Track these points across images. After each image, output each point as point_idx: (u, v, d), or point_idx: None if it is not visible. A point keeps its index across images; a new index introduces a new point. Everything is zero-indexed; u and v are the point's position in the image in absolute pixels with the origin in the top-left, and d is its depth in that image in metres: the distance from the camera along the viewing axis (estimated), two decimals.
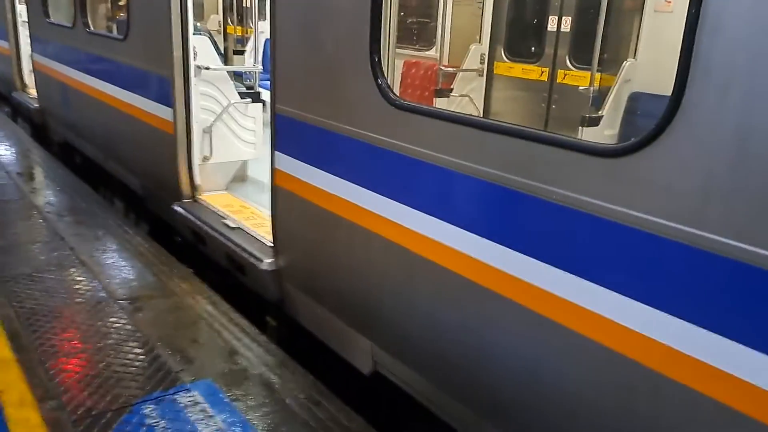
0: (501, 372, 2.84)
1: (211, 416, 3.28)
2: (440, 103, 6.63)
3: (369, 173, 3.38)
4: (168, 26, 5.07)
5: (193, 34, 5.32)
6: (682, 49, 2.06)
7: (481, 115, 6.96)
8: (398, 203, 3.22)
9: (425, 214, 3.07)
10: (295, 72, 3.83)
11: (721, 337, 2.04)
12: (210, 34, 8.36)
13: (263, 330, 4.56)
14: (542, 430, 2.72)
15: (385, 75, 3.24)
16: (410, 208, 3.16)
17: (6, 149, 8.20)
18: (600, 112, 5.59)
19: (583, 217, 2.39)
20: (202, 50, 5.33)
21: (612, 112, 5.57)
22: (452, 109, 6.66)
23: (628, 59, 5.69)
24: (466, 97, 6.81)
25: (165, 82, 5.27)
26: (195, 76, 5.24)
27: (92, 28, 6.87)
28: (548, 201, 2.50)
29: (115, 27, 7.62)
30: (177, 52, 5.12)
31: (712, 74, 1.98)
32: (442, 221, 2.99)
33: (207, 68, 5.33)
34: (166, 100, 5.30)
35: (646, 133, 2.19)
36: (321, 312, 4.01)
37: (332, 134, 3.57)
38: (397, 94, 3.22)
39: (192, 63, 5.19)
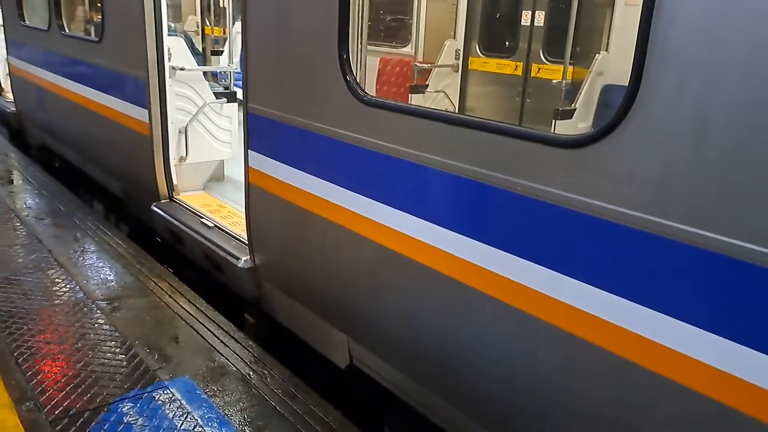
0: (473, 363, 2.89)
1: (188, 412, 3.32)
2: (416, 99, 6.69)
3: (340, 170, 3.43)
4: (142, 28, 5.08)
5: (168, 35, 5.33)
6: (638, 38, 2.08)
7: (457, 111, 7.02)
8: (369, 199, 3.27)
9: (396, 209, 3.12)
10: (266, 70, 3.86)
11: (684, 323, 2.07)
12: (186, 35, 8.34)
13: (241, 327, 4.60)
14: (517, 420, 2.77)
15: (354, 71, 3.29)
16: (381, 204, 3.20)
17: None
18: (573, 105, 5.68)
19: (547, 207, 2.43)
20: (177, 51, 5.34)
21: (585, 104, 5.66)
22: (428, 105, 6.75)
23: (600, 52, 5.78)
24: (441, 93, 6.87)
25: (140, 84, 5.28)
26: (170, 77, 5.25)
27: (67, 31, 6.84)
28: (514, 193, 2.55)
29: (90, 29, 7.59)
30: (151, 54, 5.12)
31: (668, 63, 2.00)
32: (412, 216, 3.04)
33: (182, 69, 5.34)
34: (142, 101, 5.31)
35: (605, 124, 2.23)
36: (297, 308, 4.05)
37: (303, 132, 3.61)
38: (365, 90, 3.27)
39: (167, 64, 5.20)
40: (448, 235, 2.87)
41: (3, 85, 9.95)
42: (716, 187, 1.94)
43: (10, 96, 9.44)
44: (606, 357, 2.31)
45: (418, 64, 6.87)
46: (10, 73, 9.08)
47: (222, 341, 4.02)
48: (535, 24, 6.41)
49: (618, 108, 2.14)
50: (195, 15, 11.06)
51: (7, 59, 9.07)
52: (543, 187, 2.42)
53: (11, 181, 7.20)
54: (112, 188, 6.49)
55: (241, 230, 4.65)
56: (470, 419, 3.00)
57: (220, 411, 3.35)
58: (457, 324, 2.92)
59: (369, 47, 7.93)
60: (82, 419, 3.20)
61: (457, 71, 7.08)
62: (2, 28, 9.17)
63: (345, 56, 3.25)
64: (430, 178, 2.93)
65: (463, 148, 2.74)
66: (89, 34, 6.51)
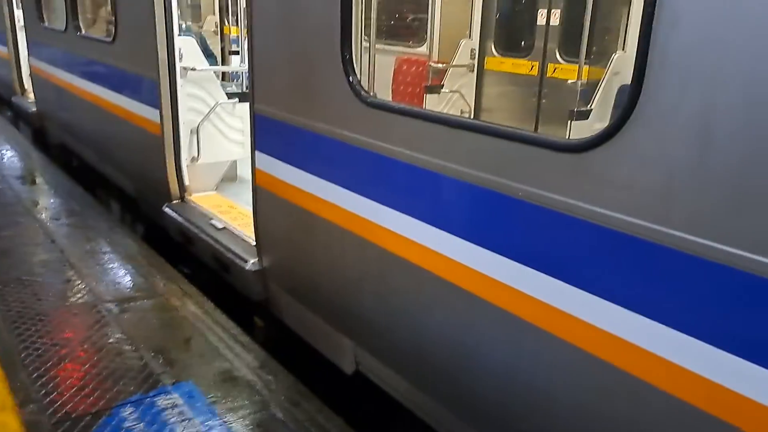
0: (478, 373, 2.81)
1: (189, 419, 3.29)
2: (431, 99, 6.60)
3: (344, 172, 3.37)
4: (152, 28, 5.08)
5: (180, 35, 5.33)
6: (639, 40, 2.02)
7: (472, 111, 6.92)
8: (374, 202, 3.21)
9: (401, 213, 3.06)
10: (272, 71, 3.82)
11: (687, 336, 2.00)
12: (201, 35, 8.35)
13: (251, 330, 4.58)
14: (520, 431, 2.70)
15: (356, 72, 3.23)
16: (386, 207, 3.14)
17: (5, 153, 8.26)
18: (589, 106, 5.54)
19: (549, 214, 2.36)
20: (188, 51, 5.33)
21: (601, 105, 5.52)
22: (443, 105, 6.66)
23: (617, 51, 5.63)
24: (457, 93, 6.77)
25: (151, 84, 5.28)
26: (181, 77, 5.25)
27: (83, 32, 6.90)
28: (515, 198, 2.47)
29: (105, 30, 7.65)
30: (162, 54, 5.12)
31: (670, 67, 1.94)
32: (417, 220, 2.97)
33: (193, 69, 5.33)
34: (153, 101, 5.31)
35: (607, 127, 2.16)
36: (304, 312, 4.01)
37: (308, 133, 3.56)
38: (369, 91, 3.21)
39: (178, 64, 5.19)
40: (453, 240, 2.79)
41: (26, 86, 10.10)
42: (719, 195, 1.85)
43: (32, 96, 9.58)
44: (611, 371, 2.22)
45: (433, 63, 6.78)
46: (31, 74, 9.21)
47: (228, 345, 3.99)
48: (551, 23, 6.27)
49: (620, 112, 2.06)
50: (214, 15, 11.10)
51: (29, 59, 9.20)
52: (545, 193, 2.34)
53: (32, 181, 7.29)
54: (126, 188, 6.52)
55: (251, 232, 4.62)
56: (472, 429, 2.93)
57: (222, 417, 3.32)
58: (461, 332, 2.84)
59: (384, 47, 7.91)
60: (83, 423, 3.19)
61: (473, 71, 6.97)
62: (24, 29, 9.32)
63: (348, 57, 3.19)
64: (433, 182, 2.86)
65: (465, 152, 2.67)
66: (104, 35, 6.55)
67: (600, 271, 2.22)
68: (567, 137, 4.94)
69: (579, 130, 5.32)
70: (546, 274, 2.40)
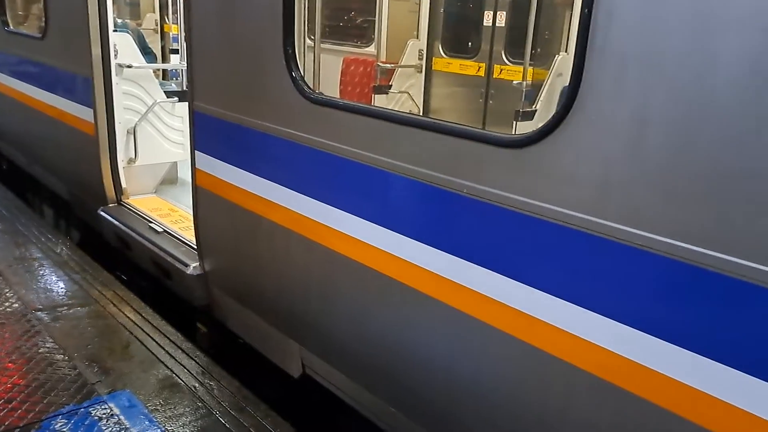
0: (424, 371, 2.78)
1: (126, 428, 3.13)
2: (380, 100, 6.57)
3: (287, 171, 3.28)
4: (86, 23, 4.85)
5: (115, 31, 5.11)
6: (577, 39, 2.04)
7: (421, 112, 6.93)
8: (318, 201, 3.13)
9: (344, 212, 2.99)
10: (211, 67, 3.69)
11: (624, 325, 2.02)
12: (139, 32, 8.07)
13: (194, 336, 4.41)
14: (463, 426, 2.68)
15: (300, 68, 3.14)
16: (330, 206, 3.07)
17: None
18: (534, 106, 5.62)
19: (495, 210, 2.35)
20: (124, 48, 5.12)
21: (546, 105, 5.60)
22: (392, 106, 6.64)
23: (560, 53, 5.74)
24: (405, 94, 6.76)
25: (85, 82, 5.04)
26: (116, 75, 5.03)
27: (11, 27, 6.54)
28: (462, 195, 2.45)
29: (35, 26, 7.29)
30: (96, 51, 4.90)
31: (606, 63, 1.96)
32: (361, 218, 2.92)
33: (129, 66, 5.12)
34: (87, 100, 5.07)
35: (547, 123, 2.17)
36: (249, 316, 3.88)
37: (250, 131, 3.45)
38: (312, 88, 3.13)
39: (113, 61, 4.98)
40: (397, 238, 2.75)
41: None
42: (657, 187, 1.88)
43: None
44: (552, 362, 2.22)
45: (380, 64, 6.75)
46: None
47: (168, 352, 3.83)
48: (497, 25, 6.35)
49: (559, 108, 2.08)
50: (154, 12, 10.77)
51: None
52: (489, 189, 2.32)
53: None
54: (60, 192, 6.21)
55: (192, 235, 4.46)
56: (421, 427, 2.89)
57: (162, 426, 3.17)
58: (407, 329, 2.80)
59: (332, 46, 7.83)
60: None
61: (421, 72, 6.98)
62: None
63: (291, 51, 3.10)
64: (378, 180, 2.81)
65: (410, 149, 2.63)
66: (34, 31, 6.22)
67: (543, 265, 2.22)
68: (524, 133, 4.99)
69: (525, 131, 5.39)
70: (491, 270, 2.38)
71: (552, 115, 2.15)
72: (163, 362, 3.71)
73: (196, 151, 3.90)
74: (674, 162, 1.84)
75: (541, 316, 2.26)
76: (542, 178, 2.17)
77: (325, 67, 6.40)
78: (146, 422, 3.19)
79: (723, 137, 1.75)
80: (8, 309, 4.20)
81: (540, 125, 2.20)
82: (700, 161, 1.79)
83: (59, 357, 3.69)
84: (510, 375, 2.43)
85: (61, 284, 4.62)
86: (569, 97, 2.07)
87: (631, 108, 1.92)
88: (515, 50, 6.34)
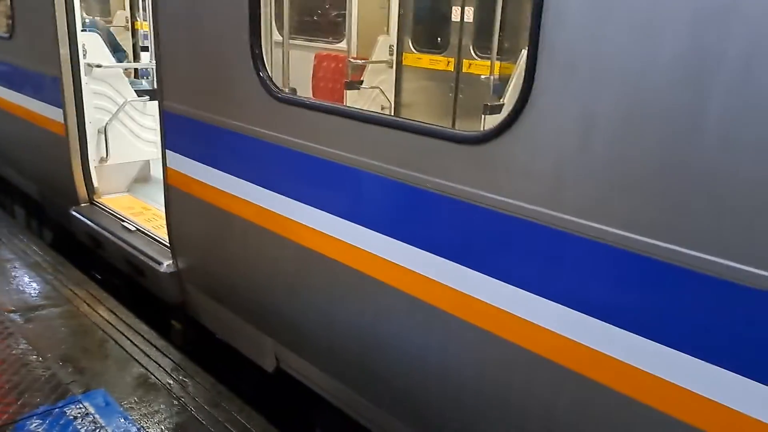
0: (393, 362, 2.86)
1: (101, 426, 3.17)
2: (351, 96, 6.61)
3: (258, 168, 3.33)
4: (53, 23, 4.82)
5: (84, 30, 5.08)
6: (529, 36, 2.12)
7: (392, 107, 6.99)
8: (288, 198, 3.18)
9: (313, 208, 3.05)
10: (179, 65, 3.72)
11: (578, 312, 2.12)
12: (109, 30, 8.00)
13: (168, 334, 4.44)
14: (435, 416, 2.77)
15: (267, 67, 3.19)
16: (298, 202, 3.13)
17: None
18: (501, 100, 5.72)
19: (455, 204, 2.43)
20: (93, 47, 5.10)
21: (513, 99, 5.69)
22: (363, 102, 6.69)
23: (525, 48, 5.84)
24: (377, 89, 6.82)
25: (54, 82, 5.01)
26: (86, 74, 5.01)
27: None
28: (423, 189, 2.53)
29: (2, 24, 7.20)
30: (64, 50, 4.87)
31: (556, 62, 2.04)
32: (329, 214, 2.98)
33: (98, 66, 5.10)
34: (56, 100, 5.05)
35: (503, 120, 2.25)
36: (222, 312, 3.93)
37: (219, 130, 3.49)
38: (280, 87, 3.19)
39: (82, 61, 4.96)
40: (364, 232, 2.82)
41: None
42: (602, 180, 1.98)
43: None
44: (513, 350, 2.32)
45: (352, 59, 6.79)
46: None
47: (142, 350, 3.86)
48: (465, 20, 6.42)
49: (514, 105, 2.16)
50: (124, 9, 10.64)
51: None
52: (449, 183, 2.41)
53: None
54: (30, 192, 6.16)
55: (164, 233, 4.48)
56: (393, 417, 2.97)
57: (137, 423, 3.22)
58: (375, 322, 2.88)
59: (304, 42, 7.83)
60: None
61: (392, 67, 7.03)
62: None
63: (257, 51, 3.15)
64: (344, 176, 2.87)
65: (374, 146, 2.70)
66: (1, 30, 6.14)
67: (501, 256, 2.31)
68: (482, 129, 5.08)
69: (493, 124, 5.48)
70: (453, 261, 2.47)
71: (507, 113, 2.24)
72: (137, 360, 3.75)
73: (167, 150, 3.93)
74: (619, 155, 1.94)
75: (499, 305, 2.35)
76: (500, 173, 2.26)
77: (297, 63, 6.44)
78: (121, 420, 3.23)
79: (664, 133, 1.84)
80: None
81: (496, 123, 2.29)
82: (643, 155, 1.89)
83: (33, 358, 3.70)
84: (474, 362, 2.52)
85: (34, 285, 4.62)
86: (523, 94, 2.15)
87: (579, 105, 2.00)
88: (483, 45, 6.42)
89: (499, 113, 5.54)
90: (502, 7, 5.64)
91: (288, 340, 3.50)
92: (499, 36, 5.87)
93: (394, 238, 2.70)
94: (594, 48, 1.96)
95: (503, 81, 5.96)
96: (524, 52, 5.79)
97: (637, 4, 1.85)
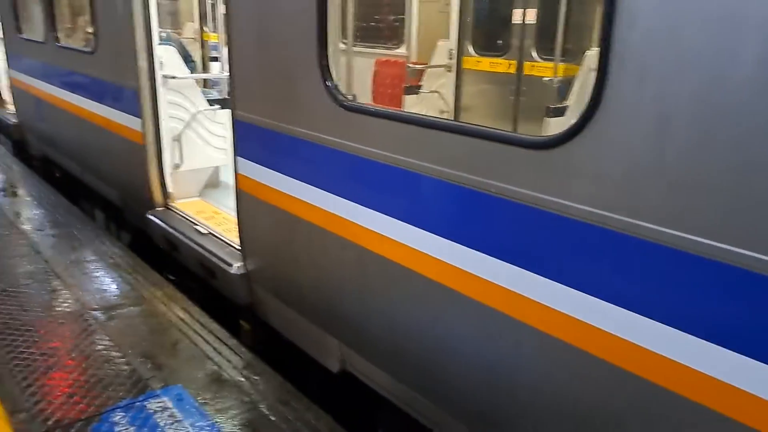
0: (457, 365, 2.89)
1: (179, 420, 3.34)
2: (410, 100, 6.69)
3: (323, 174, 3.44)
4: (133, 38, 5.11)
5: (160, 44, 5.36)
6: (600, 37, 2.10)
7: (452, 110, 7.02)
8: (353, 203, 3.28)
9: (380, 213, 3.13)
10: (251, 78, 3.88)
11: (656, 322, 2.08)
12: (181, 42, 8.37)
13: (238, 334, 4.62)
14: (504, 423, 2.77)
15: (333, 77, 3.30)
16: (365, 208, 3.21)
17: None
18: (565, 102, 5.65)
19: (522, 209, 2.44)
20: (168, 60, 5.37)
21: (577, 101, 5.62)
22: (422, 106, 6.75)
23: (591, 48, 5.75)
24: (436, 93, 6.86)
25: (132, 93, 5.32)
26: (162, 85, 5.29)
27: (62, 43, 6.91)
28: (490, 195, 2.55)
29: (83, 40, 7.66)
30: (142, 63, 5.16)
31: (629, 63, 2.01)
32: (392, 218, 3.05)
33: (173, 77, 5.37)
34: (135, 110, 5.35)
35: (574, 124, 2.24)
36: (289, 313, 4.07)
37: (288, 137, 3.63)
38: (346, 95, 3.28)
39: (158, 73, 5.23)
40: (431, 238, 2.87)
41: (5, 98, 10.05)
42: (679, 185, 1.94)
43: (12, 108, 9.55)
44: (584, 358, 2.30)
45: (411, 65, 6.87)
46: (11, 86, 9.18)
47: (215, 348, 4.04)
48: (527, 22, 6.38)
49: (585, 109, 2.15)
50: (193, 22, 11.10)
51: (8, 72, 9.17)
52: (516, 189, 2.42)
53: (14, 193, 7.28)
54: (111, 197, 6.54)
55: (235, 236, 4.67)
56: (457, 420, 3.01)
57: (212, 419, 3.37)
58: (439, 326, 2.92)
59: (363, 49, 7.97)
60: (73, 429, 3.23)
61: (451, 71, 7.07)
62: (2, 41, 9.28)
63: (324, 62, 3.26)
64: (410, 182, 2.93)
65: (440, 151, 2.75)
66: (83, 45, 6.56)
67: (569, 262, 2.31)
68: (544, 133, 5.04)
69: (556, 127, 5.43)
70: (519, 266, 2.48)
71: (575, 115, 2.23)
72: (210, 358, 3.92)
73: (237, 157, 4.11)
74: (695, 160, 1.89)
75: (570, 312, 2.33)
76: (569, 178, 2.24)
77: (358, 68, 6.57)
78: (197, 415, 3.40)
79: (745, 135, 1.79)
80: (67, 309, 4.49)
81: (562, 126, 2.28)
82: (719, 159, 1.84)
83: (115, 354, 3.94)
84: (546, 371, 2.51)
85: (115, 285, 4.90)
86: (595, 97, 2.12)
87: (654, 107, 1.97)
88: (546, 46, 6.36)
89: (563, 115, 5.48)
90: (567, 8, 5.56)
91: (353, 341, 3.58)
92: (563, 37, 5.80)
93: (457, 243, 2.74)
94: (670, 47, 1.92)
95: (566, 83, 5.88)
96: (589, 53, 5.72)
97: (717, 0, 1.81)
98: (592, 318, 2.26)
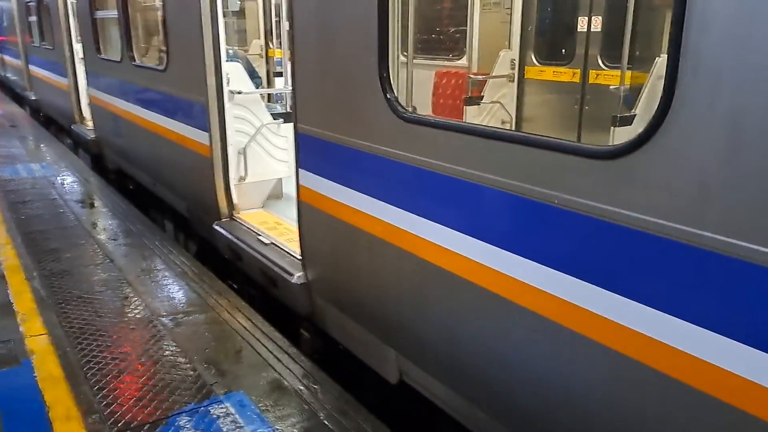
0: (518, 379, 2.83)
1: (241, 426, 3.41)
2: (471, 111, 6.64)
3: (384, 186, 3.46)
4: (202, 56, 5.33)
5: (227, 61, 5.56)
6: (670, 44, 2.04)
7: (514, 121, 6.92)
8: (413, 215, 3.28)
9: (439, 225, 3.12)
10: (313, 92, 3.96)
11: (725, 337, 1.99)
12: (247, 58, 8.65)
13: (298, 342, 4.69)
14: None
15: (394, 90, 3.32)
16: (425, 219, 3.20)
17: (66, 179, 8.73)
18: (633, 111, 5.47)
19: (586, 221, 2.37)
20: (235, 76, 5.56)
21: (645, 110, 5.43)
22: (483, 117, 6.69)
23: (660, 55, 5.54)
24: (497, 104, 6.79)
25: (201, 108, 5.53)
26: (229, 101, 5.47)
27: (137, 61, 7.27)
28: (552, 206, 2.50)
29: (156, 59, 8.04)
30: (211, 80, 5.36)
31: (701, 71, 1.95)
32: (455, 231, 3.03)
33: (239, 93, 5.55)
34: (203, 124, 5.55)
35: (641, 133, 2.17)
36: (348, 323, 4.09)
37: (349, 150, 3.67)
38: (406, 107, 3.30)
39: (225, 89, 5.42)
40: (490, 249, 2.83)
41: (85, 115, 10.68)
42: (753, 196, 1.85)
43: (90, 124, 10.12)
44: (648, 373, 2.21)
45: (472, 75, 6.83)
46: (89, 103, 9.74)
47: (276, 356, 4.11)
48: (592, 30, 6.23)
49: (653, 117, 2.07)
50: (259, 38, 11.45)
51: (87, 90, 9.75)
52: (580, 200, 2.35)
53: (91, 205, 7.69)
54: (179, 208, 6.80)
55: (296, 247, 4.75)
56: None
57: (272, 426, 3.42)
58: (499, 338, 2.87)
59: (424, 61, 7.99)
60: None
61: (513, 81, 6.97)
62: (83, 61, 9.89)
63: (385, 75, 3.29)
64: (470, 193, 2.91)
65: (501, 162, 2.71)
66: (156, 64, 6.88)
67: (636, 275, 2.22)
68: (611, 143, 4.89)
69: (624, 136, 5.25)
70: (582, 279, 2.41)
71: (643, 124, 2.15)
72: (271, 366, 3.99)
73: (299, 169, 4.19)
74: None
75: (636, 327, 2.25)
76: (637, 189, 2.17)
77: (418, 80, 6.58)
78: (258, 422, 3.46)
79: None
80: (137, 315, 4.68)
81: (629, 135, 2.21)
82: None
83: (181, 360, 4.07)
84: (612, 389, 2.42)
85: (182, 293, 5.08)
86: (663, 106, 2.06)
87: (726, 115, 1.89)
88: (612, 54, 6.19)
89: (630, 124, 5.30)
90: (634, 15, 5.39)
91: (411, 352, 3.57)
92: (630, 44, 5.62)
93: (518, 255, 2.68)
94: (743, 53, 1.84)
95: (633, 91, 5.69)
96: (658, 60, 5.52)
97: None
98: (657, 333, 2.17)
